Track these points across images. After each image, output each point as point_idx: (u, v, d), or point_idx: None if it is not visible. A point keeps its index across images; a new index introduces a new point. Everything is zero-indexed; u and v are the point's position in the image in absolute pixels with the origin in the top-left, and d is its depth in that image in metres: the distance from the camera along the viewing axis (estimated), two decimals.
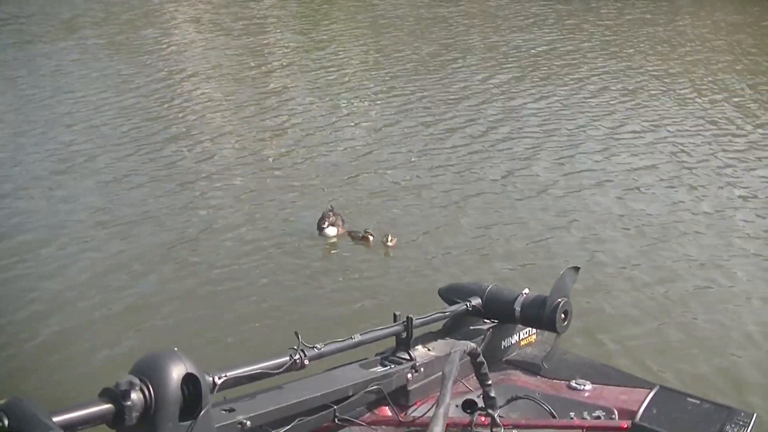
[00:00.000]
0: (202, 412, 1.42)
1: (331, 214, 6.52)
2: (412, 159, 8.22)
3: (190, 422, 1.41)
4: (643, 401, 1.80)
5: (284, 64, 12.40)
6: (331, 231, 6.47)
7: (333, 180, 7.77)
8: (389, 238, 6.15)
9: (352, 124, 9.49)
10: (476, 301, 2.38)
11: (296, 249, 6.41)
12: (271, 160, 8.39)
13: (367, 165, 8.12)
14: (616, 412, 2.04)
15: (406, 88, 10.78)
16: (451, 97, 10.31)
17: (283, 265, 6.16)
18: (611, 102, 9.97)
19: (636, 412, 1.78)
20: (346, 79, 11.47)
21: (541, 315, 2.29)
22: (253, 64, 12.41)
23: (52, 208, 7.35)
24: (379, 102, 10.32)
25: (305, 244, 6.49)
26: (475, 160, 8.13)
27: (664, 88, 10.53)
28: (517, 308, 2.32)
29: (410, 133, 9.02)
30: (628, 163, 8.01)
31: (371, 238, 6.24)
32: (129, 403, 1.33)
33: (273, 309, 5.50)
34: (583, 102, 10.02)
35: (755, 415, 1.71)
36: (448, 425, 1.64)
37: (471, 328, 2.44)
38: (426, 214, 6.96)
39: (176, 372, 1.39)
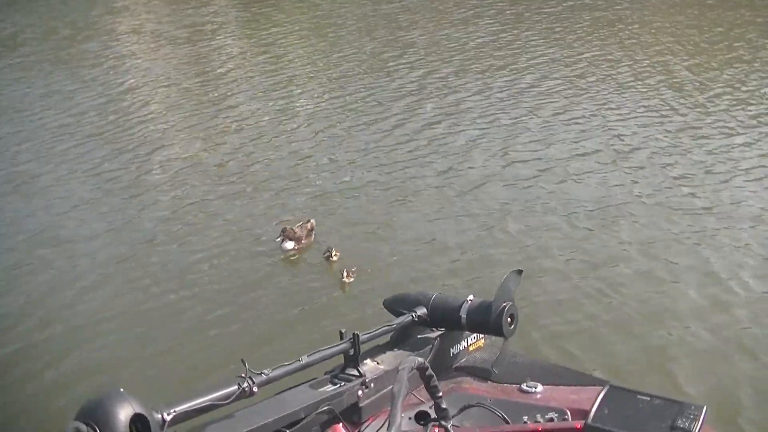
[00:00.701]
0: None
1: (289, 227, 6.36)
2: (355, 159, 8.26)
3: None
4: (594, 401, 1.82)
5: (227, 69, 12.25)
6: (288, 245, 6.31)
7: (280, 184, 7.76)
8: (333, 252, 6.01)
9: (297, 126, 9.47)
10: (422, 311, 2.40)
11: (248, 262, 6.34)
12: (217, 167, 8.33)
13: (311, 167, 8.16)
14: (568, 413, 2.07)
15: (349, 88, 10.79)
16: (394, 94, 10.33)
17: (233, 278, 6.10)
18: (550, 91, 10.05)
19: (588, 412, 1.80)
20: (290, 81, 11.37)
21: (487, 321, 2.31)
22: (196, 72, 12.25)
23: None
24: (323, 103, 10.30)
25: (255, 256, 6.43)
26: (416, 156, 8.19)
27: (604, 74, 10.63)
28: (463, 315, 2.35)
29: (353, 131, 9.08)
30: (567, 150, 8.13)
31: (335, 256, 5.97)
32: None
33: (220, 328, 5.43)
34: (522, 92, 10.09)
35: (705, 407, 1.75)
36: None
37: (418, 337, 2.45)
38: (368, 216, 7.01)
39: (123, 414, 1.38)
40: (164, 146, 9.07)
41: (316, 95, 10.72)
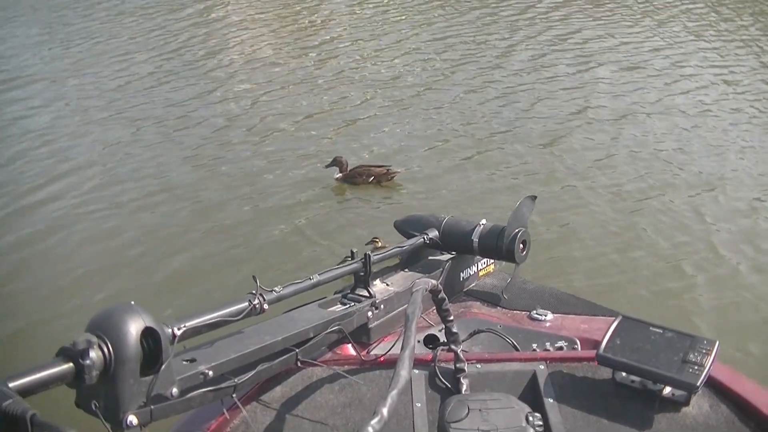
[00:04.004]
0: (163, 366, 1.41)
1: (342, 158, 6.65)
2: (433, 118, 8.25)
3: (151, 377, 1.40)
4: (606, 331, 1.81)
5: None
6: (336, 174, 6.64)
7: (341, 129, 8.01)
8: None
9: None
10: (433, 233, 2.38)
11: (294, 185, 6.65)
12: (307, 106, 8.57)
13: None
14: (578, 342, 2.08)
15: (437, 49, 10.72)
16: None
17: (273, 198, 6.42)
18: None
19: (599, 342, 1.79)
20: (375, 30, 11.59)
21: (500, 246, 2.30)
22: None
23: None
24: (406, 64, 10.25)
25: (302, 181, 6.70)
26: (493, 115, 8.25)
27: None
28: (475, 239, 2.33)
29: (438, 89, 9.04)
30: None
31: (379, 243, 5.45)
32: (88, 361, 1.30)
33: (238, 246, 5.68)
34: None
35: (717, 342, 1.75)
36: None
37: (429, 260, 2.45)
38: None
39: (134, 327, 1.37)
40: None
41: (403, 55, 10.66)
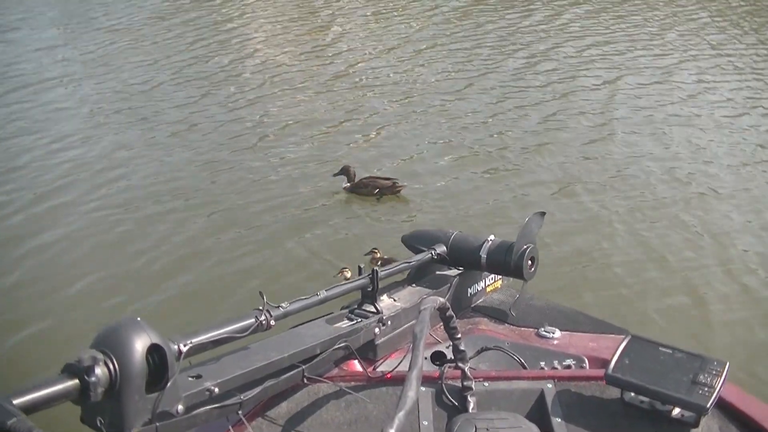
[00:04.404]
0: (169, 383, 1.40)
1: (350, 167, 6.67)
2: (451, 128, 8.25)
3: (157, 393, 1.39)
4: (615, 351, 1.80)
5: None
6: (344, 184, 6.66)
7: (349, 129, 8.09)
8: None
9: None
10: (441, 248, 2.38)
11: (301, 195, 6.68)
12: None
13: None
14: (586, 361, 2.07)
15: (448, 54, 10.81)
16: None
17: (277, 209, 6.45)
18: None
19: (608, 361, 1.78)
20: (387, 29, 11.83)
21: (508, 262, 2.29)
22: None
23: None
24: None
25: (310, 191, 6.73)
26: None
27: None
28: (483, 255, 2.33)
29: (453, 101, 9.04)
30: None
31: (378, 254, 5.43)
32: (94, 378, 1.29)
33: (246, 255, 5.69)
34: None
35: (727, 363, 1.73)
36: None
37: (437, 275, 2.44)
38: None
39: (140, 343, 1.36)
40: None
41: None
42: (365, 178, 6.63)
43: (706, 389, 1.66)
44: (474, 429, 1.56)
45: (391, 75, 9.89)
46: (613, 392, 1.79)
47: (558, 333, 2.24)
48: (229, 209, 6.42)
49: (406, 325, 2.13)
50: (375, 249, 5.44)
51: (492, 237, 2.37)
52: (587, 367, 2.04)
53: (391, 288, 2.31)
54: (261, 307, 1.74)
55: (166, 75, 10.12)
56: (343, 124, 8.25)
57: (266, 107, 8.82)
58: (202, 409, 1.56)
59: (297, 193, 6.68)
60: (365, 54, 10.89)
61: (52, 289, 5.35)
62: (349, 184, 6.64)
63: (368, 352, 2.05)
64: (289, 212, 6.34)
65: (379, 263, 5.18)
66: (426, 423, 1.78)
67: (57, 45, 11.96)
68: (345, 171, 6.67)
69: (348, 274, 5.10)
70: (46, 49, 11.71)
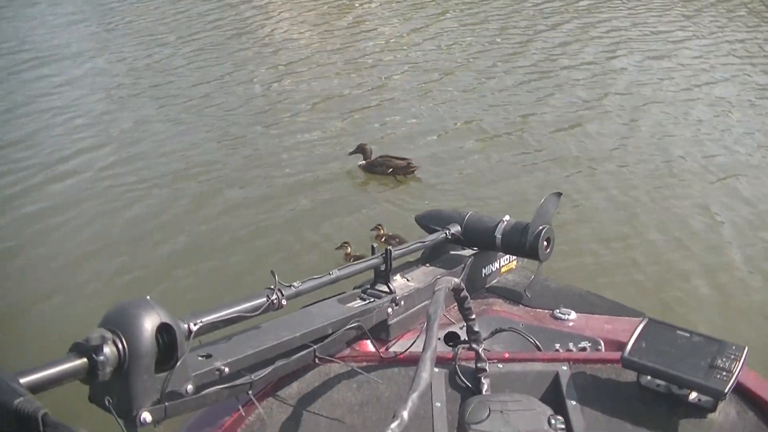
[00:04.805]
0: (178, 363, 1.39)
1: (366, 145, 6.65)
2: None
3: (166, 373, 1.38)
4: (632, 334, 1.78)
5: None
6: (359, 162, 6.64)
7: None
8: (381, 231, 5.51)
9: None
10: (455, 228, 2.36)
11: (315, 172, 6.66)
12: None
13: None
14: (602, 343, 2.05)
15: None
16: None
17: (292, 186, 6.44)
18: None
19: (624, 344, 1.76)
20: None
21: (523, 243, 2.28)
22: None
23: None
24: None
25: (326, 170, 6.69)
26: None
27: None
28: (498, 236, 2.31)
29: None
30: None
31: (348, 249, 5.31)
32: (102, 357, 1.28)
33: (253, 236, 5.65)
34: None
35: (746, 348, 1.71)
36: None
37: (451, 255, 2.43)
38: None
39: (150, 322, 1.34)
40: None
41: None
42: (380, 157, 6.60)
43: (724, 374, 1.63)
44: (488, 411, 1.54)
45: (415, 55, 9.82)
46: (630, 375, 1.77)
47: (573, 315, 2.22)
48: (246, 187, 6.41)
49: (419, 306, 2.12)
50: (379, 225, 5.49)
51: (507, 217, 2.35)
52: (603, 349, 2.03)
53: (405, 268, 2.30)
54: (273, 286, 1.73)
55: (187, 50, 10.11)
56: (363, 103, 8.21)
57: (284, 85, 8.79)
58: (211, 389, 1.54)
59: (312, 172, 6.65)
60: (389, 34, 10.81)
61: (64, 267, 5.37)
62: (364, 162, 6.61)
63: (381, 332, 2.04)
64: (305, 190, 6.32)
65: (383, 239, 5.32)
66: (439, 404, 1.77)
67: (76, 21, 11.96)
68: (361, 149, 6.64)
69: (349, 249, 5.18)
70: (64, 24, 11.72)
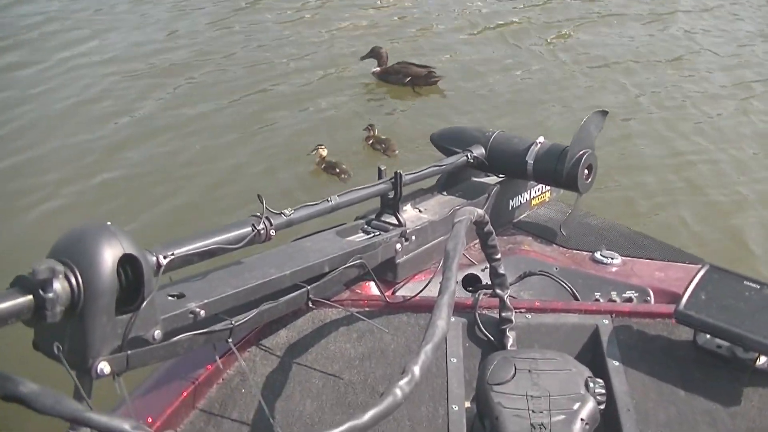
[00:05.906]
0: (144, 303, 1.28)
1: (382, 49, 6.47)
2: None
3: (129, 315, 1.28)
4: (689, 283, 1.68)
5: None
6: (374, 68, 6.40)
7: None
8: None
9: None
10: (478, 150, 2.26)
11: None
12: None
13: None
14: (651, 294, 1.99)
15: None
16: None
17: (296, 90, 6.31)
18: None
19: (678, 296, 1.67)
20: None
21: (560, 170, 2.18)
22: None
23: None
24: None
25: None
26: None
27: None
28: (530, 161, 2.21)
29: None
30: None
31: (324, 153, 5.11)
32: (51, 295, 1.16)
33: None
34: None
35: None
36: None
37: (473, 181, 2.35)
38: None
39: (110, 253, 1.23)
40: None
41: None
42: (398, 64, 6.37)
43: None
44: (513, 369, 1.46)
45: None
46: (684, 333, 1.70)
47: (618, 259, 2.16)
48: (247, 96, 6.19)
49: (433, 242, 2.04)
50: (371, 125, 5.35)
51: (541, 139, 2.25)
52: (652, 301, 1.97)
53: (417, 196, 2.22)
54: (259, 214, 1.64)
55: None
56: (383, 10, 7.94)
57: None
58: (184, 335, 1.46)
59: (317, 79, 6.43)
60: None
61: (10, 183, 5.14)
62: (378, 69, 6.39)
63: (387, 272, 1.97)
64: (306, 101, 6.09)
65: (370, 142, 5.24)
66: (455, 360, 1.70)
67: None
68: (375, 53, 6.42)
69: (324, 152, 5.00)
70: None
